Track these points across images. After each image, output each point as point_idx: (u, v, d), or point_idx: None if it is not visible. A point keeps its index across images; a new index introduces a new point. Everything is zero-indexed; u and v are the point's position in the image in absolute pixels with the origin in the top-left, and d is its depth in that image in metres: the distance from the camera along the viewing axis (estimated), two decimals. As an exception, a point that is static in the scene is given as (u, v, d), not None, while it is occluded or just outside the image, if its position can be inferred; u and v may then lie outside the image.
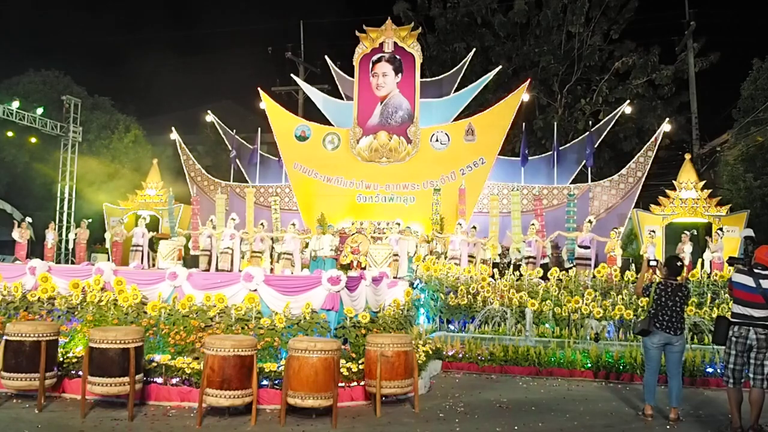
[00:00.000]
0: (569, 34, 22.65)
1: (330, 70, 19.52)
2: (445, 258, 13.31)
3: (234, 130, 20.10)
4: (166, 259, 14.28)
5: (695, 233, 14.69)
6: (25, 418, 5.69)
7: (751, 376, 5.55)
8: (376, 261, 12.26)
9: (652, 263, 6.68)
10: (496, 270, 12.23)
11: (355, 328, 7.44)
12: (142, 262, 15.22)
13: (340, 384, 6.07)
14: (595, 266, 12.20)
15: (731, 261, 6.47)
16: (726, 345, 5.68)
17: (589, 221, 14.00)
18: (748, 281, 5.59)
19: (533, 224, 14.44)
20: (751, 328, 5.52)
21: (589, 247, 13.53)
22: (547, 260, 14.59)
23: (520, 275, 11.24)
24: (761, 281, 5.53)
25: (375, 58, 18.10)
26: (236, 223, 15.08)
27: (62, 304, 7.90)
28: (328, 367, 5.65)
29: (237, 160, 19.81)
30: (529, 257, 13.92)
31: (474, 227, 14.51)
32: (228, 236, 14.55)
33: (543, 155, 18.43)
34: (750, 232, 13.26)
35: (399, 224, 14.83)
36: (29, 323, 6.35)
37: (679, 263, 6.40)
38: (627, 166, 16.97)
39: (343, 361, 6.53)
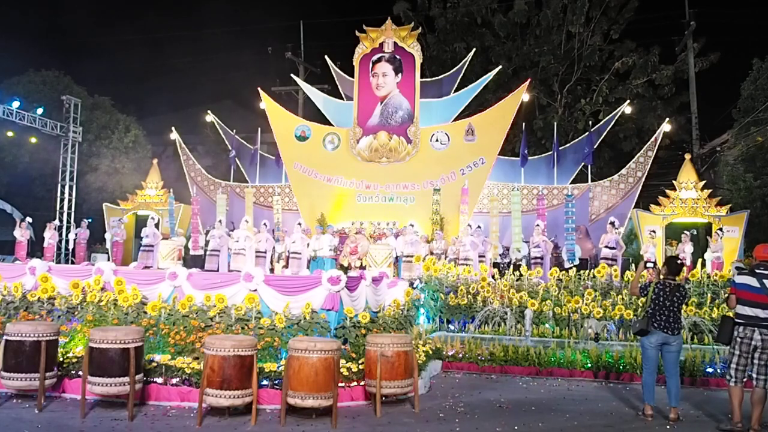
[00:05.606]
0: (569, 34, 22.67)
1: (330, 70, 19.51)
2: (454, 260, 13.16)
3: (234, 130, 20.11)
4: (166, 259, 14.28)
5: (695, 233, 14.69)
6: (25, 418, 5.68)
7: (755, 376, 5.55)
8: (376, 261, 12.25)
9: (649, 265, 6.69)
10: (496, 270, 12.21)
11: (355, 328, 7.43)
12: (149, 262, 15.13)
13: (340, 384, 6.06)
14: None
15: (738, 269, 6.45)
16: (730, 345, 5.69)
17: (611, 223, 13.81)
18: (752, 282, 5.58)
19: (538, 225, 14.20)
20: (756, 329, 5.52)
21: (615, 248, 13.44)
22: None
23: (520, 275, 11.24)
24: (765, 281, 5.52)
25: (375, 58, 18.08)
26: (248, 225, 15.12)
27: (62, 304, 7.89)
28: (328, 367, 5.65)
29: (237, 160, 19.82)
30: (536, 257, 13.83)
31: (479, 226, 14.47)
32: (243, 237, 14.57)
33: (543, 155, 18.43)
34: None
35: (413, 225, 14.77)
36: (29, 323, 6.35)
37: (678, 263, 6.41)
38: (627, 166, 16.97)
39: (343, 361, 6.53)
